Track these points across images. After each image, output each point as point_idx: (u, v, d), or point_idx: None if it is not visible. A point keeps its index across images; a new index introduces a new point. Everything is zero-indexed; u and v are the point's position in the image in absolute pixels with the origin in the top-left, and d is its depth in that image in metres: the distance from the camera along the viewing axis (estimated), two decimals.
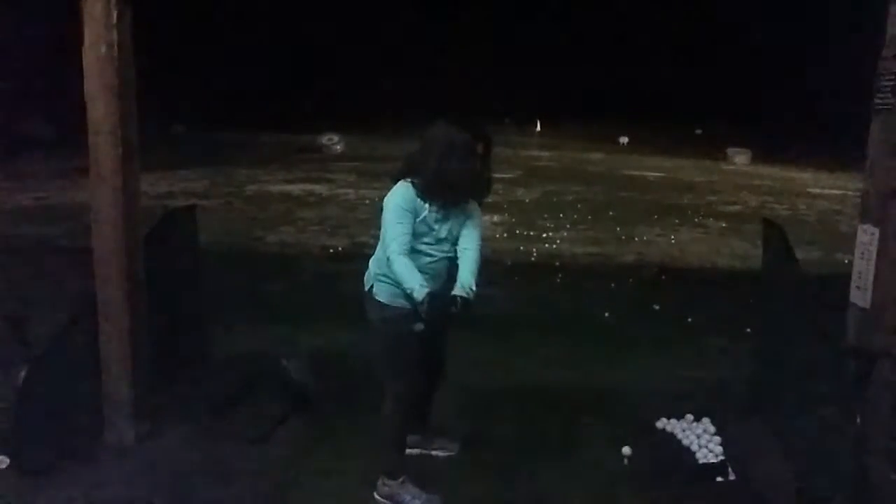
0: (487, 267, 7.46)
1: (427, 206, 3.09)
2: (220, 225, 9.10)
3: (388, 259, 3.05)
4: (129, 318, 3.60)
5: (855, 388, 3.07)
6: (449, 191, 3.08)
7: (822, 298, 3.54)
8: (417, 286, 2.97)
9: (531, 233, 9.49)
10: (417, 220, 3.08)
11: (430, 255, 3.13)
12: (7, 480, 3.31)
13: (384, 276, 3.17)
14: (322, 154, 17.68)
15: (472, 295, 3.06)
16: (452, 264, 3.22)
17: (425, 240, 3.12)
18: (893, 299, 3.10)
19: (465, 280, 3.08)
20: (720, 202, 12.57)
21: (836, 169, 16.23)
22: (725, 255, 8.60)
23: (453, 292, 3.06)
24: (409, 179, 3.11)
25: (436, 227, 3.12)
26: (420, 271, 3.07)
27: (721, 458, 3.66)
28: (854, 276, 3.22)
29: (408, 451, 3.52)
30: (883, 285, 3.09)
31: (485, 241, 8.33)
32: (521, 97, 26.07)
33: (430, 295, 2.97)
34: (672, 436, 3.93)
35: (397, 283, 3.12)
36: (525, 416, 4.17)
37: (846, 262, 6.99)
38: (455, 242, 3.19)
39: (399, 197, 3.09)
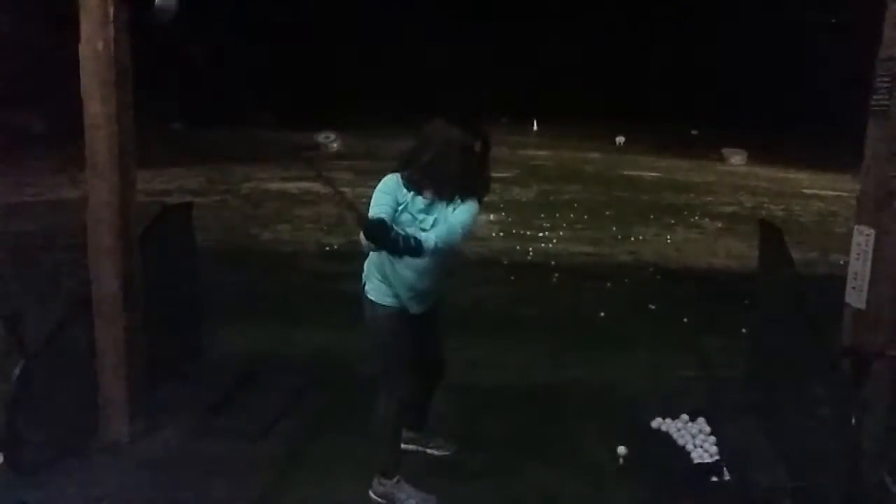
0: (485, 266, 7.50)
1: (411, 195, 3.08)
2: (216, 222, 9.09)
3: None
4: (124, 316, 3.59)
5: (850, 388, 3.07)
6: (434, 184, 3.07)
7: (817, 299, 3.54)
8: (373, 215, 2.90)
9: (528, 232, 9.49)
10: (400, 207, 3.07)
11: None
12: (1, 478, 3.30)
13: (376, 274, 3.19)
14: (319, 152, 17.66)
15: (426, 243, 2.89)
16: (445, 260, 3.20)
17: (409, 230, 3.11)
18: (889, 300, 3.10)
19: (429, 233, 2.98)
20: (716, 202, 12.58)
21: (831, 170, 16.27)
22: (721, 256, 8.62)
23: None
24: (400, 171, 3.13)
25: (419, 217, 3.09)
26: (407, 267, 3.09)
27: (716, 458, 3.67)
28: (850, 277, 3.22)
29: (404, 446, 3.53)
30: (878, 286, 3.10)
31: (482, 239, 8.30)
32: (519, 96, 26.07)
33: (381, 220, 2.85)
34: (667, 435, 3.94)
35: (389, 282, 3.14)
36: (520, 415, 4.18)
37: (842, 262, 7.01)
38: None
39: (381, 184, 3.11)
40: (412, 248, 2.85)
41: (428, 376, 3.52)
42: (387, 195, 3.07)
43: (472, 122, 3.16)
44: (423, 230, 3.08)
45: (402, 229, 2.91)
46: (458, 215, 3.08)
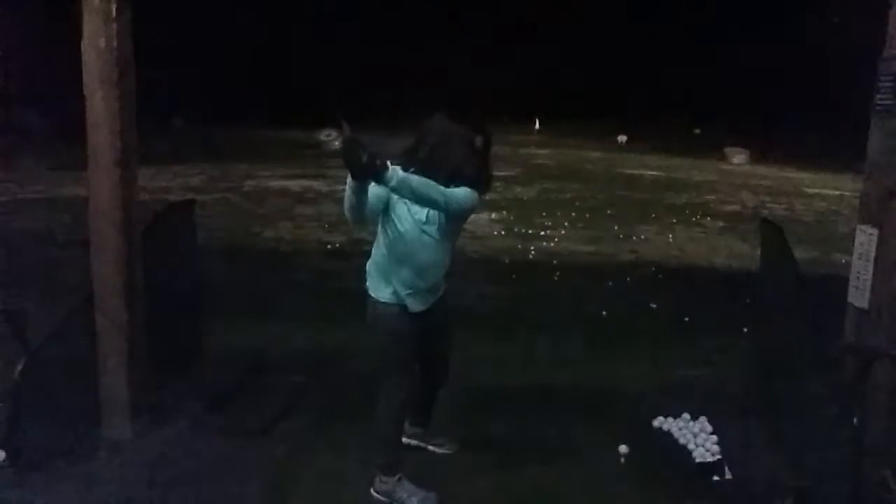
0: (486, 265, 7.49)
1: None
2: (217, 220, 9.09)
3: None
4: (126, 313, 3.60)
5: (852, 388, 3.07)
6: (430, 176, 3.04)
7: (819, 298, 3.54)
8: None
9: (529, 231, 9.49)
10: (395, 196, 3.07)
11: (415, 245, 3.11)
12: (3, 475, 3.30)
13: (376, 270, 3.21)
14: (320, 150, 17.67)
15: (392, 171, 2.83)
16: (443, 256, 3.20)
17: (411, 222, 3.11)
18: (891, 300, 3.10)
19: (399, 169, 2.93)
20: (718, 201, 12.57)
21: (833, 169, 16.25)
22: (723, 255, 8.61)
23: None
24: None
25: (414, 208, 3.09)
26: (406, 265, 3.10)
27: (718, 457, 3.67)
28: (852, 277, 3.22)
29: (407, 441, 3.56)
30: (881, 286, 3.10)
31: (482, 238, 8.27)
32: (521, 95, 26.05)
33: (358, 140, 2.82)
34: (669, 434, 3.94)
35: (388, 279, 3.15)
36: (522, 414, 4.17)
37: (843, 262, 7.00)
38: (441, 231, 3.13)
39: None
40: (377, 168, 2.81)
41: (431, 375, 3.52)
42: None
43: (473, 118, 3.16)
44: (422, 222, 3.10)
45: (381, 159, 2.86)
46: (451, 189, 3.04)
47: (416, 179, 2.92)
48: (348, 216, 3.08)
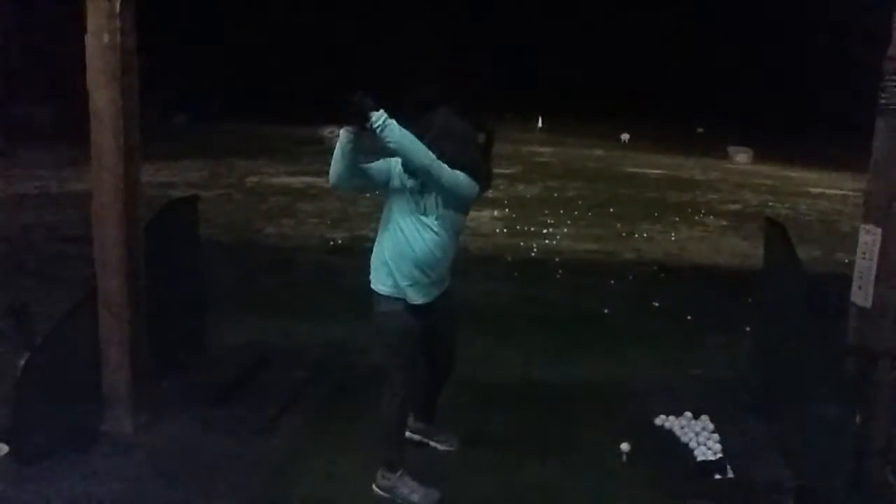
0: (488, 262, 7.49)
1: (406, 175, 3.09)
2: (220, 216, 9.10)
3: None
4: (128, 308, 3.60)
5: (855, 387, 3.07)
6: None
7: (822, 298, 3.54)
8: None
9: (531, 228, 9.48)
10: (392, 180, 3.12)
11: (415, 238, 3.11)
12: (5, 468, 3.31)
13: (378, 262, 3.21)
14: (323, 146, 17.67)
15: (390, 121, 2.89)
16: (444, 251, 3.18)
17: (410, 213, 3.11)
18: (894, 300, 3.10)
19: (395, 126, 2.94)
20: (721, 200, 12.56)
21: (837, 168, 16.23)
22: (725, 254, 8.61)
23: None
24: None
25: (415, 196, 3.10)
26: (409, 258, 3.11)
27: (719, 455, 3.67)
28: (855, 276, 3.21)
29: (411, 435, 3.56)
30: (884, 285, 3.09)
31: (484, 236, 8.26)
32: (524, 93, 26.04)
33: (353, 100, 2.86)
34: (671, 433, 3.94)
35: (389, 269, 3.15)
36: (524, 411, 4.17)
37: (846, 261, 7.00)
38: (441, 224, 3.13)
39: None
40: (365, 107, 2.84)
41: (436, 370, 3.53)
42: (385, 162, 3.15)
43: (475, 113, 3.17)
44: (423, 216, 3.11)
45: (373, 102, 2.89)
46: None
47: (408, 136, 2.93)
48: (330, 171, 3.08)
